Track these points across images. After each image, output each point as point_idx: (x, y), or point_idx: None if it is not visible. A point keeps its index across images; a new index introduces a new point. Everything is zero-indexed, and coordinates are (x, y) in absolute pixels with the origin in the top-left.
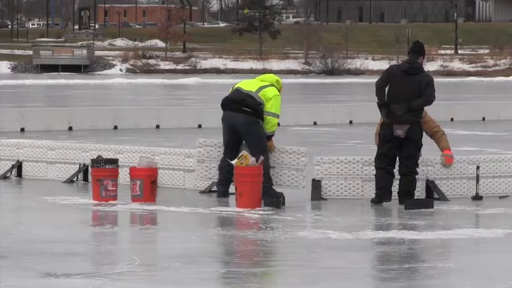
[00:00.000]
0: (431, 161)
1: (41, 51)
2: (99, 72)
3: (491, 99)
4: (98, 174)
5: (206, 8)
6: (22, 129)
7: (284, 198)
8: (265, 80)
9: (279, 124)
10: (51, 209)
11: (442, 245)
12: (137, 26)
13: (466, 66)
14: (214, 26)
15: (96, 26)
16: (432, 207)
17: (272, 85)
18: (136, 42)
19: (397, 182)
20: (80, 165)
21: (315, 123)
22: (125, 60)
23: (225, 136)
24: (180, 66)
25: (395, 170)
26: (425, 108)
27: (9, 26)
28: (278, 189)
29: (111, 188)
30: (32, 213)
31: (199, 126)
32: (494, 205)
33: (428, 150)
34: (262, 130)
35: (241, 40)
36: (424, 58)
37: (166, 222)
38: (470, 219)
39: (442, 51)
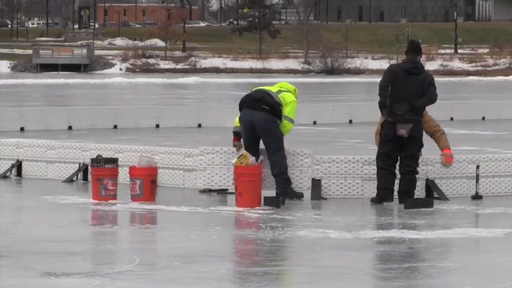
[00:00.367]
0: (431, 161)
1: (40, 51)
2: (98, 72)
3: (491, 98)
4: (98, 173)
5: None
6: (22, 129)
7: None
8: (283, 87)
9: None
10: (51, 209)
11: (441, 244)
12: (137, 26)
13: (466, 66)
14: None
15: (96, 26)
16: (432, 206)
17: (290, 92)
18: (136, 42)
19: (397, 181)
20: (79, 164)
21: (314, 123)
22: (124, 59)
23: (243, 136)
24: (179, 66)
25: (396, 170)
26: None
27: (9, 26)
28: (273, 190)
29: (111, 188)
30: (32, 213)
31: (199, 125)
32: (494, 204)
33: (428, 149)
34: (280, 129)
35: (241, 39)
36: (421, 57)
37: (166, 222)
38: (470, 219)
39: (442, 51)
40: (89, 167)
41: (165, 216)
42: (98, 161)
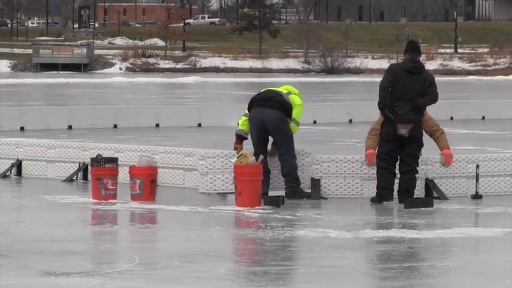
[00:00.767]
0: (431, 160)
1: (40, 50)
2: (98, 71)
3: (491, 98)
4: (98, 173)
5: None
6: (22, 128)
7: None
8: (290, 90)
9: None
10: (51, 208)
11: (441, 243)
12: (137, 25)
13: (466, 65)
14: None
15: (96, 25)
16: (432, 206)
17: (296, 95)
18: (136, 41)
19: (397, 180)
20: (79, 164)
21: (314, 122)
22: (124, 59)
23: (253, 135)
24: (179, 65)
25: (396, 170)
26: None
27: (9, 25)
28: (281, 191)
29: (111, 187)
30: (32, 212)
31: (199, 125)
32: (493, 204)
33: (428, 149)
34: (290, 128)
35: (241, 39)
36: (420, 57)
37: (165, 221)
38: (469, 218)
39: (442, 50)
40: (89, 166)
41: (165, 216)
42: (97, 160)
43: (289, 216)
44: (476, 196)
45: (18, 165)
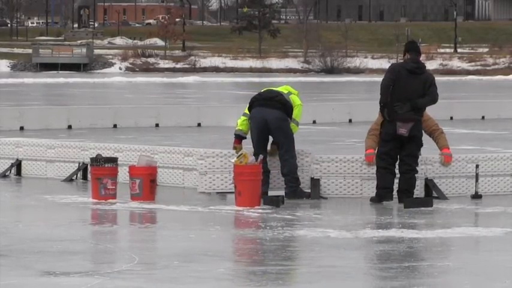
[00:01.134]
0: (430, 160)
1: (40, 50)
2: (98, 71)
3: (491, 97)
4: (97, 172)
5: (206, 6)
6: (21, 128)
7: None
8: (289, 90)
9: None
10: (51, 208)
11: (441, 243)
12: (136, 25)
13: (466, 65)
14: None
15: (96, 25)
16: (431, 205)
17: (295, 95)
18: (135, 41)
19: (396, 180)
20: (79, 163)
21: (314, 122)
22: (124, 58)
23: (254, 134)
24: (179, 65)
25: (396, 169)
26: None
27: (9, 25)
28: (281, 191)
29: (111, 187)
30: (31, 212)
31: (199, 124)
32: (493, 204)
33: (427, 149)
34: (291, 128)
35: (241, 39)
36: (420, 57)
37: (165, 221)
38: (469, 218)
39: (442, 50)
40: (89, 166)
41: (164, 216)
42: (97, 160)
43: (289, 216)
44: (476, 196)
45: (17, 165)
